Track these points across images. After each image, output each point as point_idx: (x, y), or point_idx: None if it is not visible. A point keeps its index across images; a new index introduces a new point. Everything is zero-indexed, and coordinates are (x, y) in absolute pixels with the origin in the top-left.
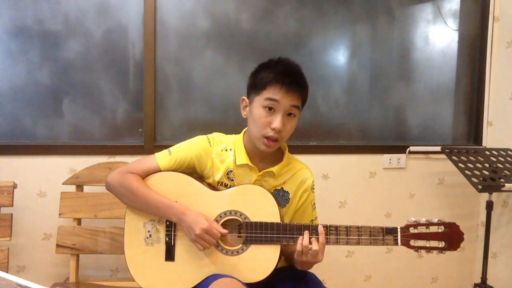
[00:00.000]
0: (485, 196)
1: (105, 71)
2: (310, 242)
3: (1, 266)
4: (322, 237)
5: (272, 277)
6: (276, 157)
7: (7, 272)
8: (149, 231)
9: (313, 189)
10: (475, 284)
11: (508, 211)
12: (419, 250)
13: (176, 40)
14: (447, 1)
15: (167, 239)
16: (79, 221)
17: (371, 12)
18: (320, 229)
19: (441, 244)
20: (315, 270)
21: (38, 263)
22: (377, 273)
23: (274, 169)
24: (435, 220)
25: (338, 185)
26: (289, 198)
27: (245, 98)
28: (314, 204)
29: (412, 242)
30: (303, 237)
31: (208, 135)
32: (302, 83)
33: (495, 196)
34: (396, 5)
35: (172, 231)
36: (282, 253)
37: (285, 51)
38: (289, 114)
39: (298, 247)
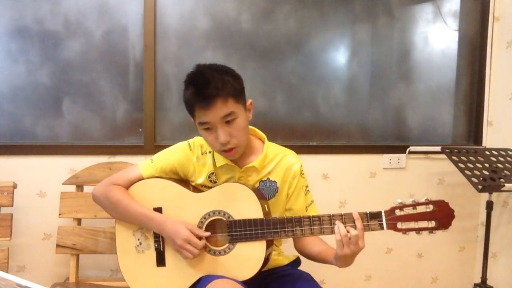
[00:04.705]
0: (485, 196)
1: (105, 71)
2: (348, 231)
3: (1, 266)
4: (359, 223)
5: (267, 277)
6: (256, 149)
7: (7, 272)
8: (139, 239)
9: (303, 173)
10: (475, 284)
11: (508, 211)
12: (407, 233)
13: (176, 41)
14: (447, 1)
15: (156, 245)
16: (79, 221)
17: (371, 12)
18: (356, 215)
19: (431, 224)
20: (316, 269)
21: (38, 263)
22: (377, 273)
23: (255, 163)
24: (423, 200)
25: (338, 185)
26: (277, 188)
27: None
28: (307, 188)
29: (399, 225)
30: (339, 228)
31: (189, 140)
32: (219, 92)
33: (495, 196)
34: (396, 5)
35: (161, 237)
36: (312, 257)
37: (285, 51)
38: (227, 122)
39: (337, 236)
